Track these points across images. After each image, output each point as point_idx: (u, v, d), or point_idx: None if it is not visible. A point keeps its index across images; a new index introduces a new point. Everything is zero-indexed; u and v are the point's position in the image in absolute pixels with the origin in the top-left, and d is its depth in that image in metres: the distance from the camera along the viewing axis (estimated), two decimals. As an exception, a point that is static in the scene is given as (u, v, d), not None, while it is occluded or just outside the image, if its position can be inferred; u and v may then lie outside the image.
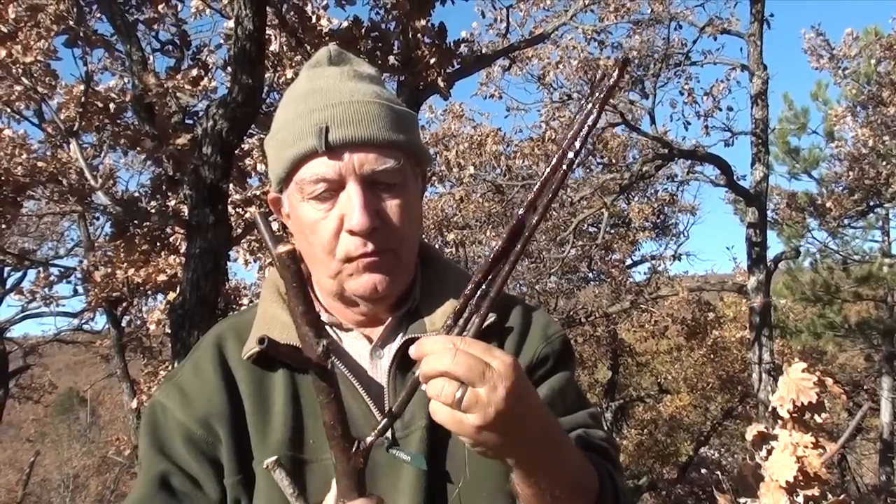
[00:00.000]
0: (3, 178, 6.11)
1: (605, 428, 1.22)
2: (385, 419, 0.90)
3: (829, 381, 1.52)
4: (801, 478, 1.47)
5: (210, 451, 1.05)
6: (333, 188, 1.02)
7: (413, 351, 0.84)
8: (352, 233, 1.02)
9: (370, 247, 1.02)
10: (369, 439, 0.85)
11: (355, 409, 1.04)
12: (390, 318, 1.11)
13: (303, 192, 1.04)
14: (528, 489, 0.91)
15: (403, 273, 1.09)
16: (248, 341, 1.09)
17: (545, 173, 0.85)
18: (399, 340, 1.09)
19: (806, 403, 1.50)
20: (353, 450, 0.83)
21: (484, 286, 0.89)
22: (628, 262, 15.21)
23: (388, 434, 1.03)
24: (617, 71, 0.81)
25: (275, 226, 7.36)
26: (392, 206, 1.04)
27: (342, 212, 1.02)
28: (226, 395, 1.06)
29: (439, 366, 0.80)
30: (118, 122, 6.40)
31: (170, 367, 6.63)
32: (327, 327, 1.12)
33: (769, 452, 1.53)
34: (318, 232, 1.04)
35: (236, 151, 5.41)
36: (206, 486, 1.05)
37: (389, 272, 1.05)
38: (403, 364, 1.07)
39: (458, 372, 0.79)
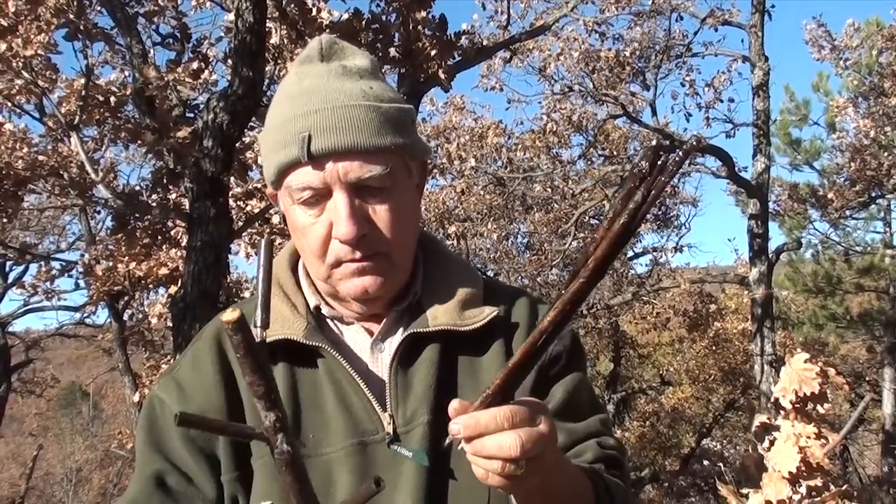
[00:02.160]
0: (4, 172, 6.11)
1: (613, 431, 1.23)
2: None
3: (832, 371, 1.52)
4: (803, 468, 1.47)
5: (207, 447, 1.05)
6: (321, 195, 1.01)
7: (456, 428, 0.83)
8: (340, 240, 1.01)
9: (358, 253, 1.02)
10: None
11: (356, 404, 1.04)
12: (391, 312, 1.10)
13: (292, 197, 1.03)
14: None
15: (397, 274, 1.08)
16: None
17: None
18: (400, 335, 1.08)
19: (808, 394, 1.49)
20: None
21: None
22: (630, 253, 15.18)
23: (390, 429, 1.03)
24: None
25: (277, 218, 7.38)
26: (381, 210, 1.02)
27: (331, 218, 1.01)
28: (224, 390, 1.06)
29: (502, 454, 0.81)
30: (119, 115, 6.37)
31: (171, 361, 6.63)
32: (328, 320, 1.11)
33: (771, 443, 1.53)
34: (308, 236, 1.03)
35: (237, 144, 5.40)
36: (202, 484, 1.04)
37: (381, 274, 1.04)
38: (405, 359, 1.07)
39: (520, 455, 0.81)
